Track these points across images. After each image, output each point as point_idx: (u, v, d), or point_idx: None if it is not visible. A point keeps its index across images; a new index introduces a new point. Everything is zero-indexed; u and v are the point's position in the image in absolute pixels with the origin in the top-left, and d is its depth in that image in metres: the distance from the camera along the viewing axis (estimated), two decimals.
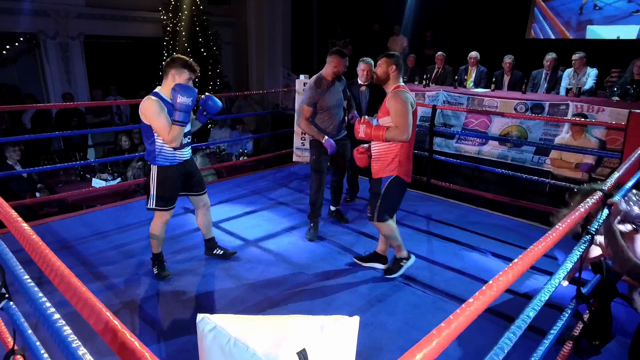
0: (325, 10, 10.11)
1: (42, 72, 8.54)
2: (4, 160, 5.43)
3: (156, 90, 2.84)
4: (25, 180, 5.65)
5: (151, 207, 3.00)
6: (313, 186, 3.84)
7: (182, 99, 2.71)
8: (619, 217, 2.00)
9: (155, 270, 3.13)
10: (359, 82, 4.10)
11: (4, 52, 7.97)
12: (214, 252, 3.42)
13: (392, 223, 3.08)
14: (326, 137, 3.67)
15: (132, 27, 9.31)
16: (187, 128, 2.96)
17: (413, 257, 3.23)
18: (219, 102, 3.09)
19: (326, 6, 10.07)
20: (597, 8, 7.65)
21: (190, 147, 3.09)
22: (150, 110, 2.74)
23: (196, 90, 2.83)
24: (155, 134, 2.83)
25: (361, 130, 2.93)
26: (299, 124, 3.85)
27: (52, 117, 7.91)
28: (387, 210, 3.02)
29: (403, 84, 2.96)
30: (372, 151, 3.05)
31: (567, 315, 1.93)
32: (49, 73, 8.45)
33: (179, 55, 2.84)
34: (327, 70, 3.61)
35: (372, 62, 3.84)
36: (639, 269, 1.82)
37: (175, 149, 2.89)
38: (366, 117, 3.02)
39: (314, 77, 3.70)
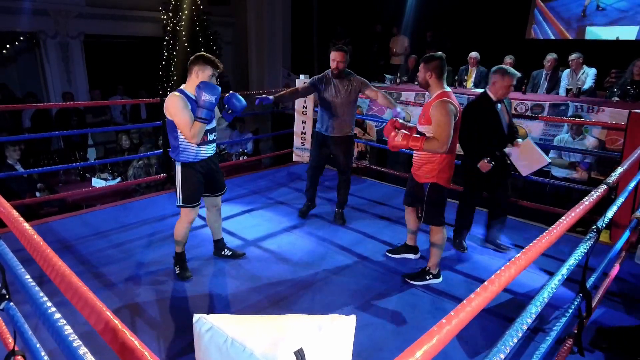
0: (325, 10, 10.12)
1: (42, 71, 8.54)
2: (4, 159, 5.43)
3: (181, 87, 2.88)
4: (26, 180, 5.65)
5: (180, 204, 3.01)
6: (307, 180, 4.17)
7: (206, 97, 2.74)
8: None
9: (177, 270, 3.13)
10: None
11: (4, 51, 7.97)
12: (223, 252, 3.42)
13: (444, 233, 3.04)
14: (268, 96, 3.62)
15: (132, 27, 9.31)
16: (212, 124, 2.98)
17: (441, 279, 3.13)
18: (243, 101, 3.09)
19: (326, 6, 10.07)
20: (600, 9, 7.66)
21: (215, 144, 3.10)
22: (173, 105, 2.77)
23: (220, 88, 2.84)
24: (178, 130, 2.85)
25: (396, 139, 2.84)
26: None
27: (52, 117, 7.91)
28: (435, 215, 3.01)
29: (448, 88, 2.87)
30: (414, 156, 3.08)
31: (570, 312, 1.93)
32: (49, 72, 8.46)
33: (202, 53, 2.88)
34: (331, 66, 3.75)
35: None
36: None
37: (199, 145, 2.91)
38: (398, 120, 3.02)
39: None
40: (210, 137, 2.98)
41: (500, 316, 2.72)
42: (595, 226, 1.92)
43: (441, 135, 2.73)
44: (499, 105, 3.32)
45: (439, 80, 2.83)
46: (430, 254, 3.10)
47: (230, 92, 3.15)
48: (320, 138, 3.96)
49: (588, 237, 1.84)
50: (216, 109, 3.06)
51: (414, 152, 3.02)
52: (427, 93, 3.04)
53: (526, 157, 3.41)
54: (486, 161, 3.28)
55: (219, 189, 3.22)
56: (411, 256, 3.48)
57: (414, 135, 2.86)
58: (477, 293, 1.07)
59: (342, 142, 3.90)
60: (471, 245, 3.75)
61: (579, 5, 7.85)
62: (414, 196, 3.20)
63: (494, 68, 3.29)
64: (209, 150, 3.02)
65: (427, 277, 3.10)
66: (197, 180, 2.99)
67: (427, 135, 2.83)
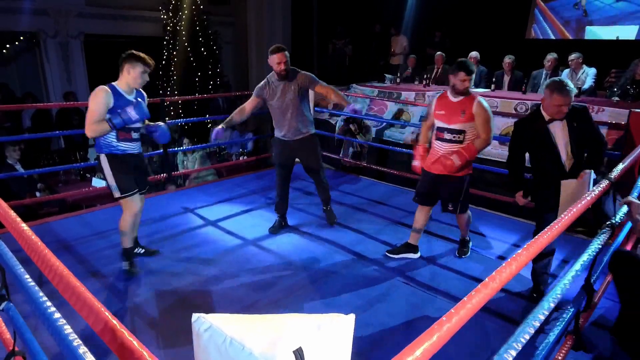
0: (325, 10, 10.11)
1: (42, 71, 8.54)
2: (4, 159, 5.43)
3: (112, 83, 2.92)
4: (26, 180, 5.65)
5: (119, 196, 3.01)
6: (276, 192, 4.00)
7: (131, 112, 2.81)
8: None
9: (126, 267, 3.13)
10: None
11: (4, 51, 7.97)
12: (135, 251, 3.39)
13: (469, 211, 3.47)
14: (221, 125, 3.62)
15: (132, 26, 9.31)
16: (138, 125, 3.03)
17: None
18: (168, 136, 3.20)
19: (326, 6, 10.06)
20: (576, 7, 7.82)
21: (140, 142, 3.12)
22: (95, 97, 2.81)
23: (147, 113, 2.92)
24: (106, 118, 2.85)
25: (455, 160, 3.07)
26: None
27: (52, 117, 7.91)
28: (468, 203, 3.37)
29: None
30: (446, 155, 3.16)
31: (572, 308, 1.93)
32: (49, 72, 8.45)
33: (133, 51, 2.92)
34: (274, 69, 3.57)
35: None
36: None
37: (119, 140, 2.94)
38: (418, 147, 3.42)
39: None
40: (135, 135, 3.03)
41: (500, 314, 2.72)
42: (609, 223, 1.92)
43: (488, 130, 3.06)
44: (556, 123, 2.73)
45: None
46: (462, 230, 3.55)
47: (161, 123, 3.22)
48: (280, 144, 3.79)
49: (601, 234, 1.84)
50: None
51: (445, 151, 3.17)
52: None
53: (574, 197, 2.41)
54: (520, 194, 2.99)
55: (143, 187, 3.22)
56: (411, 255, 3.48)
57: (460, 150, 3.09)
58: (478, 290, 1.06)
59: (304, 144, 3.74)
60: (475, 246, 3.75)
61: (578, 5, 7.85)
62: (437, 194, 3.34)
63: (548, 81, 2.73)
64: (133, 147, 3.04)
65: (470, 245, 3.62)
66: (125, 168, 3.00)
67: (467, 130, 3.10)
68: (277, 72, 3.53)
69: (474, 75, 3.10)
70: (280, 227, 3.97)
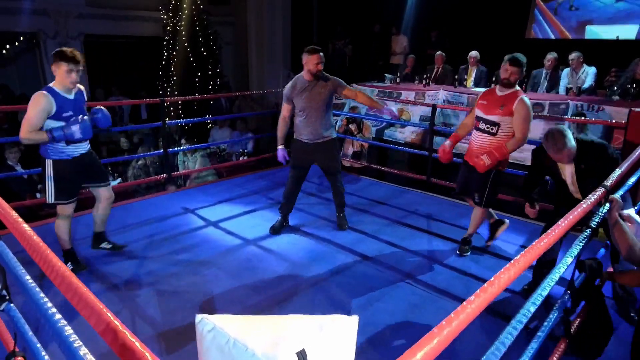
0: (325, 10, 10.11)
1: (42, 71, 8.55)
2: (4, 160, 5.43)
3: (50, 85, 2.86)
4: (26, 181, 5.64)
5: (50, 201, 2.99)
6: (285, 191, 3.96)
7: (72, 129, 2.79)
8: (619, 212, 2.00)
9: (71, 267, 3.13)
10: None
11: (4, 51, 7.97)
12: (102, 245, 3.38)
13: (492, 212, 3.55)
14: (280, 146, 3.76)
15: (132, 27, 9.32)
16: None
17: (507, 222, 3.63)
18: (109, 120, 3.11)
19: (326, 6, 10.07)
20: (572, 9, 7.80)
21: (87, 142, 3.10)
22: (33, 102, 2.75)
23: (83, 93, 2.95)
24: (48, 128, 2.81)
25: (485, 160, 3.12)
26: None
27: None
28: (493, 199, 3.37)
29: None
30: (479, 149, 3.23)
31: (557, 310, 1.93)
32: (49, 73, 8.45)
33: (62, 48, 2.86)
34: (304, 70, 3.61)
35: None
36: None
37: (68, 144, 2.91)
38: (445, 145, 3.41)
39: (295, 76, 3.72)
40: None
41: (501, 316, 2.72)
42: (589, 224, 1.91)
43: (524, 129, 3.08)
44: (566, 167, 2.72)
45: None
46: (471, 226, 3.51)
47: (99, 107, 3.12)
48: (301, 146, 3.78)
49: (583, 236, 1.84)
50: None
51: (479, 145, 3.24)
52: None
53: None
54: (528, 206, 2.99)
55: (101, 178, 3.21)
56: (504, 227, 3.61)
57: (491, 150, 3.12)
58: (477, 294, 1.07)
59: (325, 147, 3.75)
60: (476, 245, 3.75)
61: (579, 5, 7.85)
62: (469, 185, 3.41)
63: (544, 135, 2.61)
64: (78, 149, 3.02)
65: (497, 228, 3.63)
66: (69, 176, 2.99)
67: (501, 124, 3.12)
68: (314, 71, 3.54)
69: (521, 69, 3.09)
70: (281, 227, 3.95)
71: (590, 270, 1.94)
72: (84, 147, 3.07)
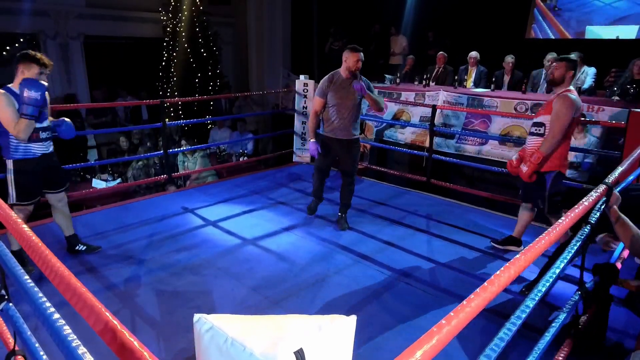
0: (325, 10, 10.11)
1: None
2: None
3: (8, 85, 2.90)
4: None
5: (12, 202, 3.00)
6: (313, 181, 4.11)
7: (29, 93, 2.78)
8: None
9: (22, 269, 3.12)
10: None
11: (4, 52, 7.98)
12: (77, 248, 3.38)
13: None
14: (312, 140, 3.76)
15: (132, 28, 9.32)
16: (46, 124, 3.05)
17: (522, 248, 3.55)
18: (73, 132, 3.16)
19: (326, 6, 10.07)
20: (556, 9, 7.87)
21: (50, 142, 3.13)
22: (1, 103, 2.78)
23: (45, 85, 2.90)
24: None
25: (524, 169, 3.11)
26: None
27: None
28: (558, 205, 3.19)
29: (573, 87, 3.11)
30: (529, 149, 3.19)
31: (567, 310, 1.93)
32: (49, 73, 8.45)
33: (28, 51, 2.90)
34: (342, 67, 3.69)
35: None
36: None
37: (29, 142, 2.93)
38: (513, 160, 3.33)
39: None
40: (43, 135, 3.03)
41: (501, 315, 2.71)
42: (588, 219, 1.91)
43: (554, 128, 2.98)
44: None
45: (572, 79, 3.09)
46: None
47: (62, 118, 3.18)
48: (328, 141, 3.82)
49: (581, 233, 1.84)
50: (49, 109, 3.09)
51: (531, 145, 3.18)
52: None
53: None
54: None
55: (60, 185, 3.23)
56: (514, 248, 3.56)
57: (529, 160, 3.10)
58: (477, 294, 1.07)
59: (351, 145, 3.82)
60: (471, 245, 3.75)
61: (579, 5, 7.85)
62: (529, 190, 3.30)
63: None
64: (42, 148, 3.04)
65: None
66: (31, 178, 3.00)
67: (546, 124, 3.07)
68: (354, 69, 3.61)
69: (566, 63, 3.02)
70: (316, 206, 4.17)
71: (605, 276, 1.94)
72: (47, 147, 3.09)
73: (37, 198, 3.11)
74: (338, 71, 3.73)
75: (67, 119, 3.19)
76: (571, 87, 3.07)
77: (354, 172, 3.94)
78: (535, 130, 3.17)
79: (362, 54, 3.62)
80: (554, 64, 3.08)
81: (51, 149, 3.14)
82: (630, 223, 1.93)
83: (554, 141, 3.01)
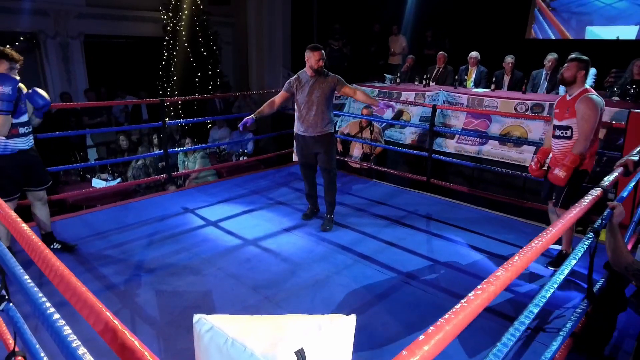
0: (325, 10, 10.11)
1: (42, 71, 8.54)
2: None
3: None
4: None
5: None
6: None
7: (1, 89, 2.79)
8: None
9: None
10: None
11: None
12: (52, 246, 3.38)
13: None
14: (252, 115, 3.80)
15: (132, 27, 9.31)
16: (24, 119, 3.05)
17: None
18: (46, 98, 3.11)
19: (326, 6, 10.07)
20: (551, 9, 7.93)
21: (29, 138, 3.13)
22: None
23: (17, 79, 2.89)
24: None
25: (560, 173, 3.07)
26: None
27: (50, 117, 7.90)
28: (573, 199, 3.14)
29: (588, 86, 3.12)
30: (559, 152, 3.19)
31: (577, 316, 1.93)
32: (49, 73, 8.46)
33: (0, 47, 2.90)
34: (306, 66, 3.78)
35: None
36: (633, 267, 1.82)
37: (7, 138, 2.93)
38: (534, 162, 3.36)
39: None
40: (22, 130, 3.03)
41: (501, 315, 2.72)
42: (592, 227, 1.92)
43: (583, 129, 3.00)
44: None
45: (585, 78, 3.09)
46: (563, 237, 3.35)
47: (33, 88, 3.14)
48: (300, 140, 3.96)
49: (586, 239, 1.84)
50: (29, 105, 3.10)
51: (559, 151, 3.20)
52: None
53: None
54: None
55: (41, 182, 3.24)
56: (557, 247, 3.49)
57: (562, 162, 3.08)
58: (476, 294, 1.07)
59: (322, 141, 3.86)
60: (471, 245, 3.75)
61: (578, 5, 7.85)
62: (554, 189, 3.27)
63: None
64: (20, 143, 3.04)
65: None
66: (8, 173, 3.00)
67: (572, 127, 3.08)
68: (315, 68, 3.70)
69: (578, 63, 3.04)
70: (312, 214, 4.25)
71: (619, 276, 1.93)
72: (26, 143, 3.09)
73: (16, 195, 3.11)
74: (304, 71, 3.83)
75: (36, 88, 3.13)
76: (587, 86, 3.09)
77: (330, 167, 3.96)
78: (562, 133, 3.17)
79: (323, 52, 3.74)
80: (566, 64, 3.09)
81: (31, 143, 3.15)
82: (619, 236, 1.93)
83: (587, 142, 3.04)
